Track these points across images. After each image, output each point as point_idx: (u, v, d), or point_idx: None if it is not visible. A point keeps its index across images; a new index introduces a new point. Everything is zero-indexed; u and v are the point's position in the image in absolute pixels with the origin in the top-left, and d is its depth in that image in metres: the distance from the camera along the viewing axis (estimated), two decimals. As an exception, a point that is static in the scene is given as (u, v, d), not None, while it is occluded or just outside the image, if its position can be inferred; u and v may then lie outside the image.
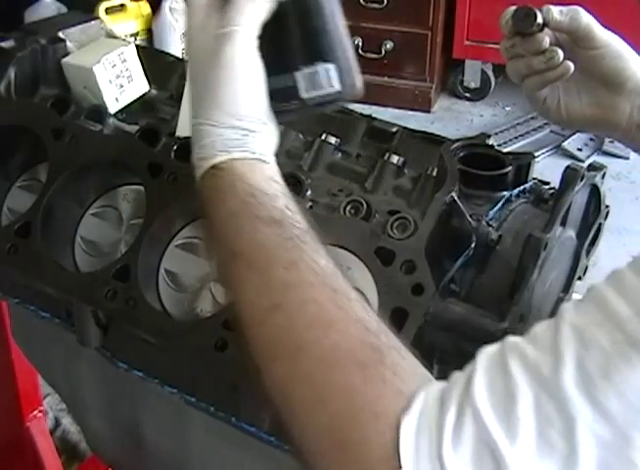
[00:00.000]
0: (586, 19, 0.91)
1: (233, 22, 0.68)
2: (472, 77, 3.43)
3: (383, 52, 3.31)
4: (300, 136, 0.97)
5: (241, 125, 0.68)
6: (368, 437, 0.55)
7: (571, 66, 0.92)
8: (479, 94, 3.47)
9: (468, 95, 3.48)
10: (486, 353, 0.56)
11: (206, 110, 0.68)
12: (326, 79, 0.71)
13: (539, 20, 0.88)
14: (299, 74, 0.71)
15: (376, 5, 3.24)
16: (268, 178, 0.67)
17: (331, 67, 0.71)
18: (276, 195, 0.66)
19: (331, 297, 0.60)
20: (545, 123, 3.25)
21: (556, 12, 0.90)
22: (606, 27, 0.92)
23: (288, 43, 0.71)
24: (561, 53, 0.91)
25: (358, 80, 0.73)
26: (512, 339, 0.56)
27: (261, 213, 0.64)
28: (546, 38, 0.91)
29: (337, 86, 0.71)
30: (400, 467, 0.53)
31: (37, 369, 1.28)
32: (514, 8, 0.90)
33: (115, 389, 1.07)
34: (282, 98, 0.72)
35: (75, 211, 0.95)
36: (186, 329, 0.83)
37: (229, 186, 0.66)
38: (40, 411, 1.55)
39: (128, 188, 0.95)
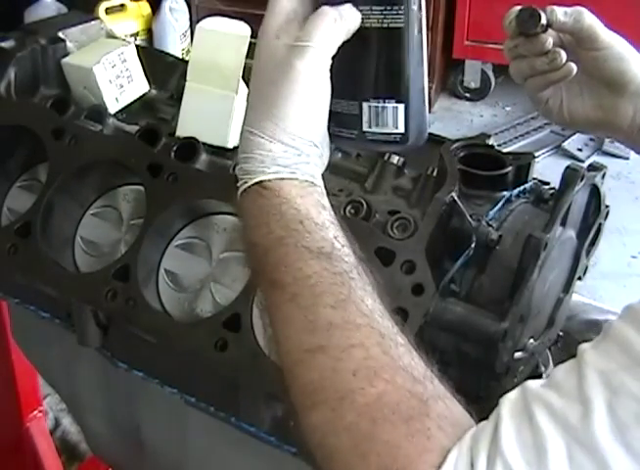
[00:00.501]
0: (590, 20, 0.91)
1: (310, 37, 0.64)
2: (472, 77, 3.43)
3: (383, 52, 3.30)
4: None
5: (295, 145, 0.64)
6: None
7: (574, 67, 0.92)
8: (479, 94, 3.47)
9: (468, 95, 3.48)
10: (509, 401, 0.55)
11: (261, 121, 0.64)
12: (392, 119, 0.68)
13: (543, 21, 0.88)
14: (366, 106, 0.68)
15: (376, 5, 3.23)
16: (318, 204, 0.63)
17: (401, 107, 0.68)
18: (325, 224, 0.62)
19: (378, 341, 0.58)
20: (545, 123, 3.25)
21: (560, 13, 0.90)
22: (609, 28, 0.92)
23: (363, 71, 0.68)
24: (564, 54, 0.91)
25: (425, 129, 0.69)
26: (532, 385, 0.55)
27: (309, 244, 0.61)
28: (549, 39, 0.91)
29: (401, 129, 0.68)
30: None
31: (37, 369, 1.28)
32: (518, 8, 0.90)
33: (115, 389, 1.07)
34: (342, 124, 0.69)
35: (75, 211, 0.95)
36: (186, 329, 0.83)
37: (276, 208, 0.62)
38: (40, 411, 1.55)
39: (128, 188, 0.95)
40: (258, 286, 0.64)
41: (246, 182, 0.64)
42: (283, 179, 0.63)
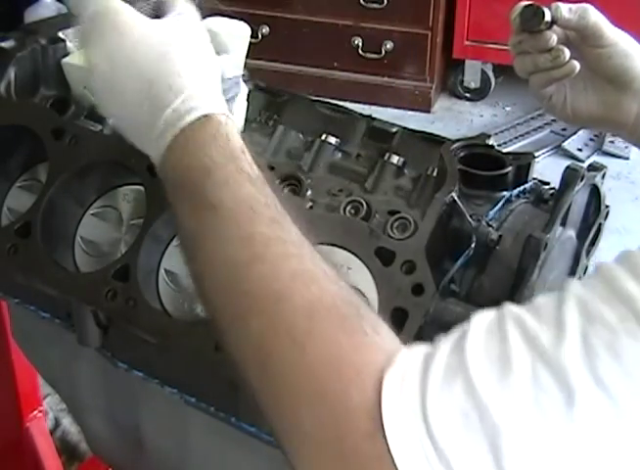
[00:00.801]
0: (595, 17, 0.91)
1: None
2: (472, 77, 3.43)
3: (383, 52, 3.31)
4: (300, 136, 0.97)
5: (209, 86, 0.69)
6: (348, 386, 0.54)
7: (577, 65, 0.92)
8: (479, 94, 3.47)
9: (468, 95, 3.48)
10: (483, 317, 0.55)
11: (169, 76, 0.69)
12: None
13: (547, 18, 0.88)
14: None
15: (376, 5, 3.24)
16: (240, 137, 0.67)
17: None
18: (253, 158, 0.66)
19: (311, 256, 0.61)
20: (545, 123, 3.25)
21: (565, 10, 0.90)
22: (614, 24, 0.92)
23: None
24: (567, 52, 0.91)
25: None
26: (511, 306, 0.55)
27: (247, 169, 0.64)
28: (553, 36, 0.91)
29: None
30: (381, 418, 0.52)
31: (37, 369, 1.28)
32: (523, 4, 0.90)
33: (116, 389, 1.07)
34: None
35: (75, 211, 0.95)
36: (186, 329, 0.83)
37: (213, 138, 0.66)
38: (40, 411, 1.55)
39: (128, 188, 0.95)
40: (188, 214, 0.66)
41: (178, 122, 0.67)
42: (213, 115, 0.67)
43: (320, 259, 0.61)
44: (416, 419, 0.51)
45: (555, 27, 0.91)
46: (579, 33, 0.91)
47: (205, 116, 0.67)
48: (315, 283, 0.59)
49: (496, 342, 0.52)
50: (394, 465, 0.51)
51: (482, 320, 0.55)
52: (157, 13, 0.75)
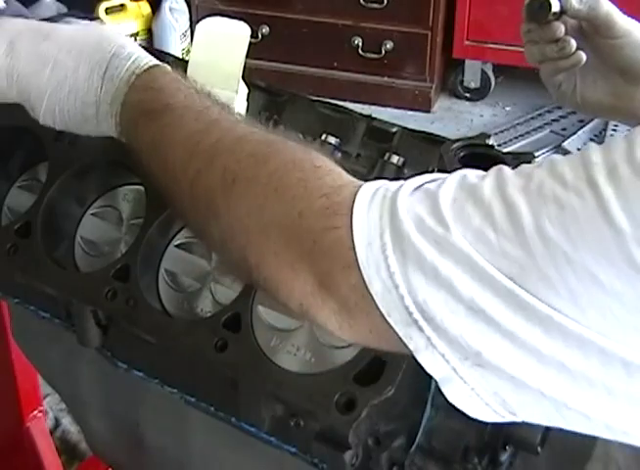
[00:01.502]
0: (606, 7, 0.90)
1: None
2: (472, 77, 3.43)
3: (383, 52, 3.31)
4: (300, 136, 0.97)
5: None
6: (309, 181, 0.59)
7: (583, 57, 0.92)
8: (479, 94, 3.46)
9: (468, 95, 3.47)
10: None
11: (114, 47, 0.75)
12: None
13: (554, 9, 0.88)
14: None
15: (376, 5, 3.24)
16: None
17: None
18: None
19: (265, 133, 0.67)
20: (545, 123, 3.25)
21: (575, 0, 0.89)
22: (627, 14, 0.91)
23: None
24: (573, 43, 0.91)
25: None
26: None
27: (192, 85, 0.72)
28: (561, 27, 0.90)
29: None
30: (350, 212, 0.56)
31: (37, 369, 1.28)
32: None
33: (115, 389, 1.07)
34: None
35: (75, 211, 0.95)
36: (186, 329, 0.83)
37: (163, 74, 0.73)
38: (40, 411, 1.55)
39: (128, 188, 0.95)
40: (144, 129, 0.71)
41: (134, 72, 0.72)
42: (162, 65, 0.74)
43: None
44: (383, 210, 0.55)
45: (566, 17, 0.90)
46: (590, 24, 0.90)
47: (157, 65, 0.74)
48: (271, 134, 0.65)
49: (474, 179, 0.55)
50: (352, 243, 0.55)
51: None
52: None
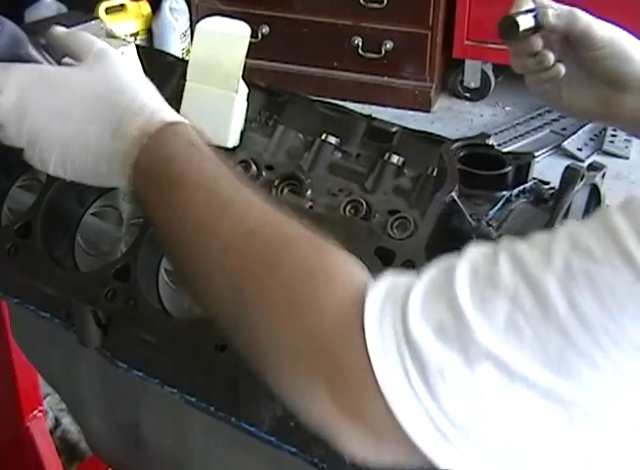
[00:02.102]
0: (584, 22, 0.89)
1: None
2: (472, 77, 3.43)
3: (383, 52, 3.31)
4: (300, 136, 0.97)
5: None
6: (321, 289, 0.56)
7: (562, 69, 0.92)
8: (478, 94, 3.46)
9: (468, 95, 3.47)
10: (477, 247, 0.56)
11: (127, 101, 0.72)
12: None
13: (523, 27, 0.88)
14: None
15: (376, 5, 3.24)
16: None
17: None
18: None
19: (276, 209, 0.63)
20: (545, 123, 3.25)
21: (552, 16, 0.89)
22: (608, 21, 0.91)
23: None
24: (551, 57, 0.91)
25: None
26: (508, 239, 0.56)
27: (207, 153, 0.68)
28: (538, 41, 0.90)
29: None
30: (361, 319, 0.53)
31: (37, 369, 1.28)
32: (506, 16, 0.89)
33: (115, 389, 1.07)
34: None
35: (75, 211, 0.95)
36: (186, 329, 0.83)
37: (175, 135, 0.69)
38: (40, 411, 1.55)
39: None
40: (156, 201, 0.67)
41: (146, 132, 0.69)
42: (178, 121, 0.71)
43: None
44: (395, 322, 0.52)
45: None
46: (569, 37, 0.91)
47: (170, 123, 0.70)
48: (285, 224, 0.62)
49: (487, 265, 0.53)
50: (370, 366, 0.52)
51: (477, 249, 0.56)
52: (76, 58, 0.78)
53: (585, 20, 0.90)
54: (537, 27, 0.90)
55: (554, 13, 0.89)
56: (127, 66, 0.76)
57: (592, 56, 0.91)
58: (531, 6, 0.90)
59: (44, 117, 0.72)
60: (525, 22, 0.89)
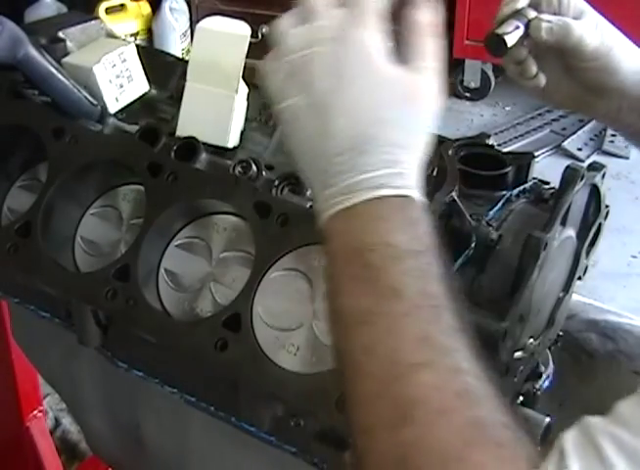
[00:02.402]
0: (578, 34, 0.86)
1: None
2: (472, 77, 3.43)
3: (383, 52, 3.31)
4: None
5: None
6: None
7: (542, 81, 0.91)
8: (478, 94, 3.47)
9: (468, 95, 3.48)
10: (571, 436, 0.54)
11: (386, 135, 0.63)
12: None
13: (510, 44, 0.86)
14: None
15: (376, 5, 3.23)
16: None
17: None
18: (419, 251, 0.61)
19: (480, 375, 0.57)
20: (545, 123, 3.25)
21: (544, 30, 0.85)
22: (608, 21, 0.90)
23: None
24: (534, 69, 0.90)
25: None
26: (593, 421, 0.54)
27: (435, 264, 0.60)
28: (523, 53, 0.89)
29: None
30: None
31: (37, 369, 1.28)
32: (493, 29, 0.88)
33: (115, 389, 1.07)
34: None
35: (75, 211, 0.95)
36: (186, 329, 0.83)
37: (410, 223, 0.61)
38: (40, 411, 1.55)
39: (128, 188, 0.95)
40: (358, 293, 0.60)
41: (374, 190, 0.61)
42: (418, 199, 0.63)
43: (487, 380, 0.58)
44: None
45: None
46: (560, 47, 0.88)
47: (407, 197, 0.62)
48: (479, 406, 0.56)
49: (596, 463, 0.51)
50: None
51: (572, 440, 0.53)
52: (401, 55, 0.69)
53: (577, 34, 0.86)
54: (525, 37, 0.88)
55: (547, 27, 0.86)
56: (433, 104, 0.73)
57: (579, 66, 0.90)
58: (523, 5, 0.88)
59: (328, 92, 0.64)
60: (513, 37, 0.86)
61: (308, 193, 0.89)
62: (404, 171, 0.63)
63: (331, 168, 0.62)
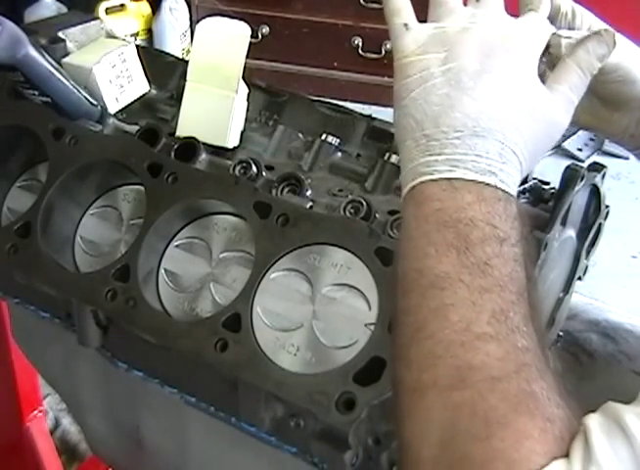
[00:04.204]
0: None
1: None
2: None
3: (383, 52, 3.30)
4: (301, 136, 0.97)
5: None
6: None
7: None
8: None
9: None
10: (596, 417, 0.55)
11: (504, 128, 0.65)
12: None
13: None
14: None
15: (376, 5, 3.24)
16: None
17: None
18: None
19: (541, 358, 0.59)
20: (545, 123, 3.25)
21: (565, 48, 0.85)
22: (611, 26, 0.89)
23: None
24: None
25: None
26: (617, 404, 0.54)
27: (521, 259, 0.61)
28: (541, 68, 0.89)
29: None
30: None
31: (37, 369, 1.28)
32: None
33: (115, 389, 1.07)
34: None
35: (75, 212, 0.95)
36: (186, 329, 0.83)
37: (505, 210, 0.62)
38: (40, 411, 1.55)
39: (128, 188, 0.95)
40: (444, 257, 0.60)
41: (478, 175, 0.63)
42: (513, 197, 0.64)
43: (549, 367, 0.60)
44: None
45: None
46: None
47: (509, 193, 0.64)
48: (537, 382, 0.56)
49: (621, 439, 0.52)
50: None
51: (597, 420, 0.54)
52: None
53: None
54: (544, 53, 0.87)
55: (567, 43, 0.86)
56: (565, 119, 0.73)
57: (597, 79, 0.89)
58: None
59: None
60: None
61: (308, 193, 0.89)
62: (510, 172, 0.64)
63: (444, 139, 0.63)
